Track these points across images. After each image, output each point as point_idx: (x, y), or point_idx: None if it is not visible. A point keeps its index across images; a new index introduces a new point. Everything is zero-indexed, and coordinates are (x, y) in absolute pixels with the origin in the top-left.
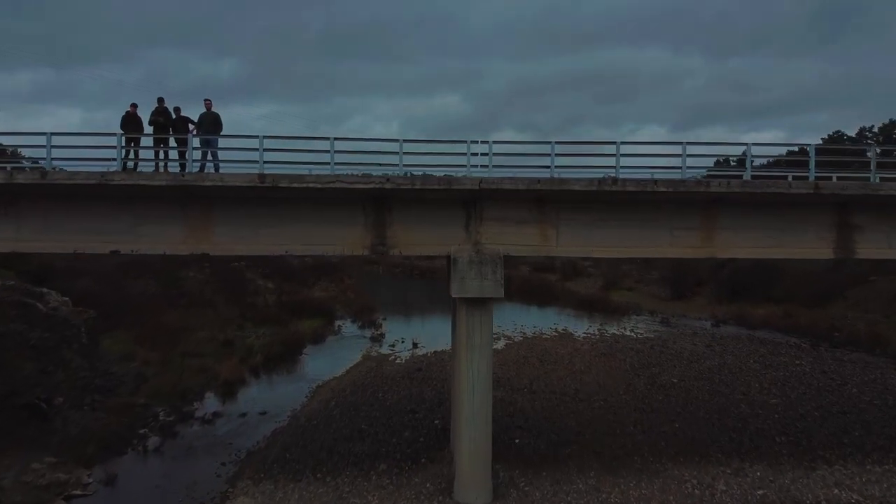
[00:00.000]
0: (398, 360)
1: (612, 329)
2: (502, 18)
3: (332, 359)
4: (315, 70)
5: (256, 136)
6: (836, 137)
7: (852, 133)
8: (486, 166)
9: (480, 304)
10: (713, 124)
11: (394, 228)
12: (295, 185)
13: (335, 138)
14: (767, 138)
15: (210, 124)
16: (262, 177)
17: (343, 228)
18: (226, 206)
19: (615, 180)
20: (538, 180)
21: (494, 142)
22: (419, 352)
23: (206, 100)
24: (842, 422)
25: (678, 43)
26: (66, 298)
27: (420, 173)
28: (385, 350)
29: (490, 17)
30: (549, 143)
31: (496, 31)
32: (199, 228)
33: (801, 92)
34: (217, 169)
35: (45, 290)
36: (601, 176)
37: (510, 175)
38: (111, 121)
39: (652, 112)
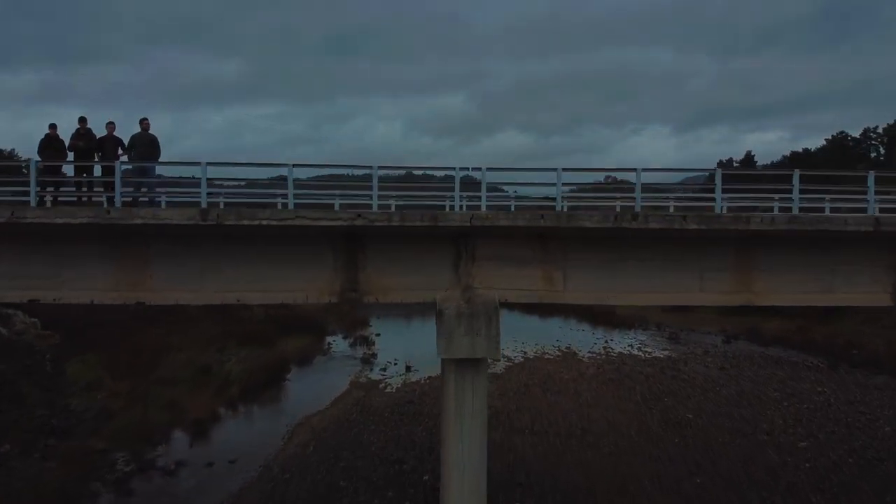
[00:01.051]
0: (389, 389)
1: (619, 347)
2: (507, 18)
3: (318, 386)
4: (318, 70)
5: (198, 163)
6: (840, 138)
7: (856, 134)
8: (478, 201)
9: (472, 365)
10: (716, 124)
11: (368, 271)
12: (245, 222)
13: (294, 164)
14: (771, 138)
15: (145, 148)
16: (204, 213)
17: (307, 272)
18: (165, 246)
19: (635, 215)
20: (541, 215)
21: (489, 168)
22: (412, 377)
23: (142, 119)
24: (880, 472)
25: (683, 42)
26: (35, 320)
27: (400, 203)
28: (375, 374)
29: (495, 17)
30: (553, 170)
31: (501, 30)
32: (134, 272)
33: (805, 92)
34: (152, 203)
35: (11, 311)
36: (616, 206)
37: (513, 185)
38: (116, 122)
39: (655, 112)
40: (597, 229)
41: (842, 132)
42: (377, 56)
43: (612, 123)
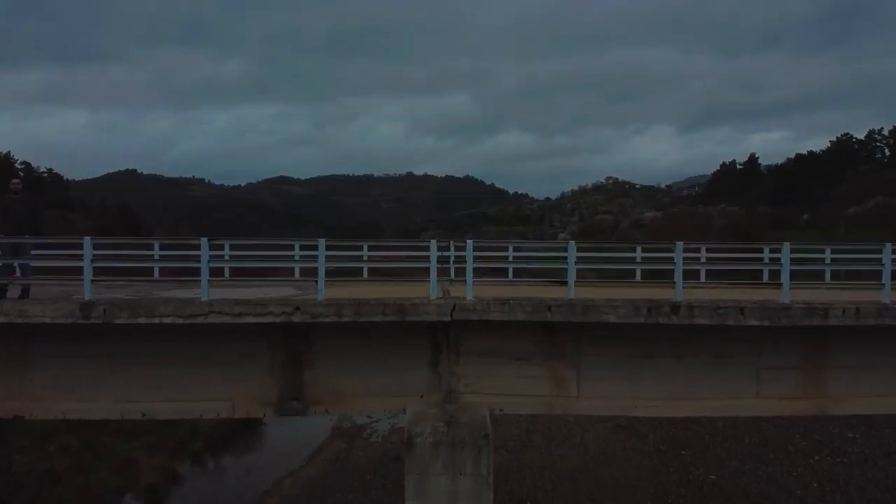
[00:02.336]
0: (374, 438)
1: None
2: (511, 18)
3: (296, 435)
4: (321, 70)
5: (80, 242)
6: (844, 140)
7: (861, 135)
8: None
9: None
10: (720, 124)
11: (316, 371)
12: (141, 320)
13: (212, 240)
14: (776, 138)
15: (24, 217)
16: (86, 309)
17: (234, 375)
18: (48, 344)
19: (675, 307)
20: (548, 305)
21: (478, 248)
22: (399, 420)
23: (13, 180)
24: None
25: (687, 42)
26: None
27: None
28: (361, 418)
29: (499, 16)
30: (563, 246)
31: (505, 30)
32: (8, 377)
33: (810, 92)
34: (26, 292)
35: None
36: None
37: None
38: (118, 122)
39: (659, 112)
40: (622, 325)
41: (846, 134)
42: (380, 56)
43: (615, 123)
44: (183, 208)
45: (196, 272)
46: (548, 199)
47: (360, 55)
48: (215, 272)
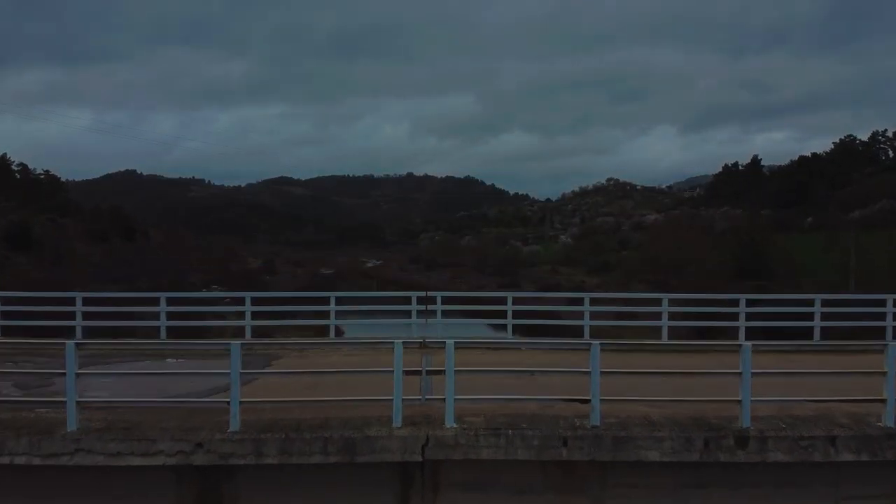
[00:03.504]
0: None
1: None
2: (517, 18)
3: None
4: (326, 70)
5: None
6: (848, 142)
7: (864, 137)
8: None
9: None
10: (724, 124)
11: None
12: None
13: (80, 342)
14: (781, 138)
15: None
16: None
17: None
18: None
19: (742, 439)
20: (564, 438)
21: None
22: None
23: None
24: None
25: (692, 42)
26: None
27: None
28: None
29: (504, 16)
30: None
31: (510, 30)
32: None
33: (815, 92)
34: None
35: None
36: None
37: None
38: (121, 122)
39: (663, 112)
40: (667, 465)
41: (850, 135)
42: (385, 56)
43: (619, 123)
44: (182, 209)
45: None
46: (548, 200)
47: (365, 55)
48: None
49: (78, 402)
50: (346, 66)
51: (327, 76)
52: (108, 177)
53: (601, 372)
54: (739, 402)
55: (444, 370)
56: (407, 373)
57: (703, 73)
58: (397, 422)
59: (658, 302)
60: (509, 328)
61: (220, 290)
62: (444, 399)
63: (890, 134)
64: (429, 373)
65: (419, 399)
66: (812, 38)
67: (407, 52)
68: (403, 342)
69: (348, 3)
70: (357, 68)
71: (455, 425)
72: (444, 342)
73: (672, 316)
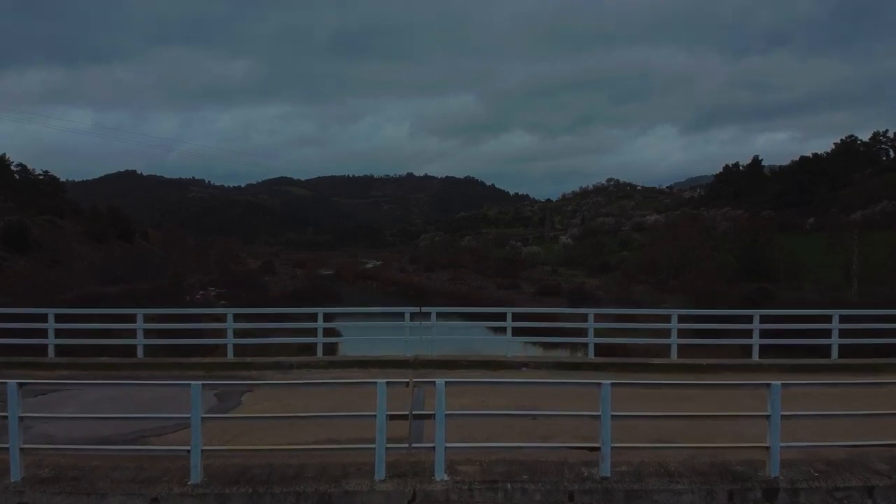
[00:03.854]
0: None
1: None
2: (518, 18)
3: None
4: (327, 70)
5: None
6: (849, 142)
7: (866, 137)
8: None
9: None
10: (726, 124)
11: None
12: None
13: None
14: (782, 138)
15: None
16: None
17: None
18: None
19: (771, 491)
20: (570, 492)
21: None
22: None
23: None
24: None
25: (693, 42)
26: None
27: None
28: None
29: (505, 17)
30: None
31: (511, 30)
32: None
33: (816, 92)
34: None
35: None
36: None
37: None
38: (122, 122)
39: (664, 112)
40: None
41: (851, 136)
42: (387, 56)
43: (620, 124)
44: (182, 209)
45: None
46: (549, 200)
47: (367, 56)
48: None
49: (22, 449)
50: (347, 67)
51: (328, 76)
52: (107, 177)
53: (612, 415)
54: (767, 448)
55: (434, 414)
56: (392, 417)
57: (704, 74)
58: (380, 474)
59: (667, 317)
60: (508, 338)
61: (216, 291)
62: (433, 447)
63: (891, 134)
64: (417, 417)
65: (406, 446)
66: (813, 38)
67: (408, 52)
68: (395, 359)
69: (349, 3)
70: (358, 69)
71: (446, 477)
72: (439, 358)
73: (681, 333)
